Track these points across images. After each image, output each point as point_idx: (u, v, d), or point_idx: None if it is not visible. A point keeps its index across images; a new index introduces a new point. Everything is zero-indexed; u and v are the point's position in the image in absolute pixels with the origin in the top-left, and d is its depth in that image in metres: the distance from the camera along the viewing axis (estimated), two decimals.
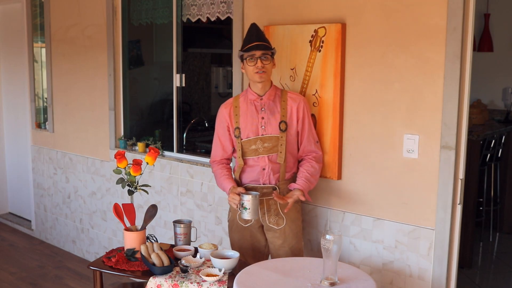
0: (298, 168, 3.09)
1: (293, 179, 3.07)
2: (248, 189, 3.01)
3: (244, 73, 3.05)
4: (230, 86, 5.61)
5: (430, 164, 2.84)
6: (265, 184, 3.01)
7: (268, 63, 2.95)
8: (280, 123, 2.98)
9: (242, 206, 2.86)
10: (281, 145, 2.98)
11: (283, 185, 3.02)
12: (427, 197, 2.87)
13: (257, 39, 2.94)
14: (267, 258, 3.19)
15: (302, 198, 2.93)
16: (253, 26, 3.02)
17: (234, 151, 3.13)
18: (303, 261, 2.84)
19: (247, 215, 2.87)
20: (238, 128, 3.04)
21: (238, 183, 3.07)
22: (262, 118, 3.00)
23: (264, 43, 2.95)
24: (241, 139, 3.02)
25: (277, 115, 2.99)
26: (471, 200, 4.56)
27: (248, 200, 2.85)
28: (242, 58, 2.99)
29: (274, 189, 3.00)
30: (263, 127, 3.00)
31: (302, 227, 3.17)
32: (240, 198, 2.87)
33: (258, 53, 2.92)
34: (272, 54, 2.99)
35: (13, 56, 5.95)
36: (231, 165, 3.19)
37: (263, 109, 3.01)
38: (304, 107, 3.03)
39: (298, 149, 3.08)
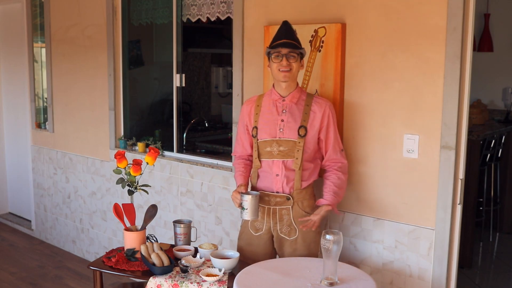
0: (317, 177, 2.97)
1: (311, 189, 2.97)
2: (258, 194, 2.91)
3: (270, 71, 2.94)
4: (230, 86, 5.61)
5: (430, 164, 2.84)
6: (278, 192, 2.90)
7: (294, 62, 2.81)
8: (299, 128, 2.85)
9: (241, 206, 2.82)
10: (298, 151, 2.84)
11: (297, 194, 2.89)
12: (427, 197, 2.87)
13: (286, 37, 2.81)
14: None
15: (316, 224, 2.83)
16: (285, 24, 2.88)
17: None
18: (303, 261, 2.83)
19: (245, 215, 2.82)
20: (256, 127, 2.93)
21: (254, 187, 2.99)
22: (282, 120, 2.87)
23: (293, 41, 2.82)
24: (258, 140, 2.93)
25: (297, 119, 2.85)
26: (471, 200, 4.56)
27: (246, 200, 2.80)
28: (268, 55, 2.87)
29: (288, 198, 2.88)
30: (281, 130, 2.87)
31: (320, 239, 2.91)
32: (240, 197, 2.82)
33: (284, 50, 2.79)
34: (301, 55, 2.85)
35: (13, 56, 5.96)
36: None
37: (284, 111, 2.88)
38: (330, 113, 2.87)
39: (319, 158, 2.95)
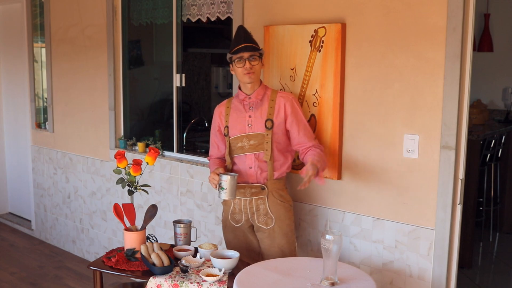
0: (289, 168, 3.11)
1: (284, 180, 3.10)
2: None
3: (234, 75, 3.10)
4: (230, 86, 5.61)
5: (430, 164, 2.84)
6: (253, 183, 3.04)
7: (256, 64, 3.00)
8: (266, 121, 3.01)
9: (220, 186, 2.91)
10: (267, 143, 3.00)
11: (271, 185, 3.03)
12: (427, 197, 2.87)
13: (244, 41, 2.99)
14: (262, 257, 3.19)
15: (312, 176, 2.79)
16: (241, 28, 3.08)
17: None
18: (303, 261, 2.84)
19: (223, 195, 2.91)
20: (227, 126, 3.10)
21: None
22: (250, 116, 3.04)
23: (252, 44, 3.00)
24: (229, 137, 3.08)
25: (264, 114, 3.02)
26: (471, 200, 4.56)
27: (225, 180, 2.89)
28: (231, 61, 3.04)
29: (263, 188, 3.02)
30: (249, 125, 3.04)
31: (294, 228, 3.16)
32: (219, 178, 2.92)
33: (246, 54, 2.97)
34: (260, 55, 3.03)
35: (13, 56, 5.96)
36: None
37: (251, 108, 3.06)
38: (293, 105, 3.03)
39: (290, 151, 3.09)
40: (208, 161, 3.31)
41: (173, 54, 4.18)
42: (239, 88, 3.11)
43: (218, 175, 2.94)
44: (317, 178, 2.86)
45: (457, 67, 2.70)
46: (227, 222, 3.16)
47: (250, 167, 3.04)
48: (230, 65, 3.07)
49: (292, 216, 3.12)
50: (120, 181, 3.12)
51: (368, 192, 3.09)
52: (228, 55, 3.04)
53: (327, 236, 2.46)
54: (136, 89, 4.84)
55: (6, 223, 6.18)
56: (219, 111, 3.17)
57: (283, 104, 3.01)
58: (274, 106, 3.02)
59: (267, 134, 3.00)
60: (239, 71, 3.00)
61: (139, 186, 3.15)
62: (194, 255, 2.97)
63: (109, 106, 4.67)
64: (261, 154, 3.02)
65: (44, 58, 5.41)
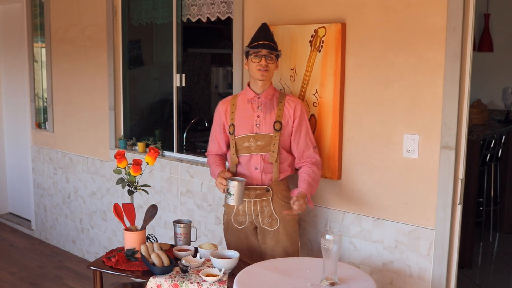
0: (293, 171, 3.09)
1: (287, 181, 3.09)
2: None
3: (247, 69, 3.07)
4: (230, 86, 5.61)
5: (430, 164, 2.84)
6: (258, 185, 3.02)
7: (272, 63, 2.99)
8: (274, 122, 2.99)
9: (227, 192, 2.87)
10: (274, 144, 2.99)
11: (276, 186, 3.02)
12: (427, 197, 2.87)
13: (265, 38, 2.98)
14: (264, 258, 3.19)
15: (303, 206, 2.81)
16: (264, 26, 3.06)
17: (228, 148, 3.16)
18: (303, 261, 2.83)
19: (231, 200, 2.87)
20: (232, 125, 3.06)
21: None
22: (258, 116, 3.02)
23: (272, 43, 2.99)
24: (235, 136, 3.05)
25: (272, 115, 3.00)
26: (471, 200, 4.56)
27: (233, 186, 2.85)
28: (247, 54, 3.02)
29: (268, 190, 2.99)
30: (257, 125, 3.01)
31: (298, 228, 3.15)
32: (226, 183, 2.88)
33: (264, 51, 2.96)
34: (277, 56, 3.02)
35: (13, 56, 5.96)
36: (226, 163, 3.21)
37: (259, 107, 3.03)
38: (302, 109, 3.03)
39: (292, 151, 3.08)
40: (206, 157, 3.29)
41: (173, 54, 4.18)
42: (248, 85, 3.08)
43: (226, 179, 2.90)
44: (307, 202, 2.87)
45: (457, 67, 2.70)
46: (229, 224, 3.13)
47: (256, 168, 3.01)
48: (245, 60, 3.05)
49: (296, 217, 3.08)
50: (120, 181, 3.12)
51: (368, 192, 3.09)
52: (246, 49, 3.03)
53: (327, 236, 2.45)
54: (136, 89, 4.84)
55: (6, 223, 6.18)
56: (223, 108, 3.13)
57: (293, 108, 3.01)
58: (283, 109, 3.01)
59: (275, 136, 2.99)
60: (253, 66, 2.98)
61: (139, 186, 3.14)
62: (194, 255, 2.97)
63: (109, 106, 4.67)
64: (267, 155, 3.00)
65: (44, 58, 5.42)
